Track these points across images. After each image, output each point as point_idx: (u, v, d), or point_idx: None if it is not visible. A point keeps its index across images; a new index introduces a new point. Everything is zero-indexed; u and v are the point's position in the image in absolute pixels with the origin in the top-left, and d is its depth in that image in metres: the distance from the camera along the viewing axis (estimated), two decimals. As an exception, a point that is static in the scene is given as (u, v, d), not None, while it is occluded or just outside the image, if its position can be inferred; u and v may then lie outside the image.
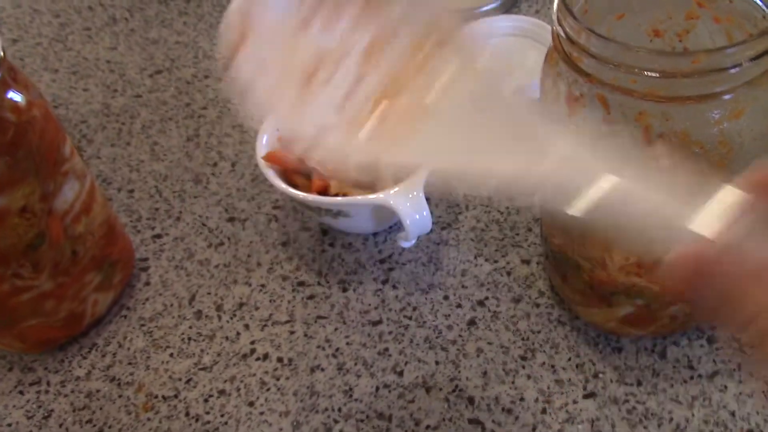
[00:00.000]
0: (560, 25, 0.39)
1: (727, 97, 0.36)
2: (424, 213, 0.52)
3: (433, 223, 0.60)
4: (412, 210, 0.51)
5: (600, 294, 0.48)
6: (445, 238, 0.59)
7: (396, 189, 0.52)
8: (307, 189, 0.56)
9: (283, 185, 0.54)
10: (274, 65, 0.34)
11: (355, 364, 0.52)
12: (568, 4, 0.39)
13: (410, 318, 0.54)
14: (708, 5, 0.43)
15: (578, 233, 0.47)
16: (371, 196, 0.52)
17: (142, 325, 0.57)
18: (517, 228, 0.59)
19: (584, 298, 0.50)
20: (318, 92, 0.34)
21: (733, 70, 0.35)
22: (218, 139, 0.70)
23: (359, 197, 0.53)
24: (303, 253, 0.60)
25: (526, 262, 0.56)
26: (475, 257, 0.57)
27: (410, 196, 0.52)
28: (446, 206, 0.61)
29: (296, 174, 0.57)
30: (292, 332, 0.55)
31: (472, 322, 0.54)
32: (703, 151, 0.38)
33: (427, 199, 0.61)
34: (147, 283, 0.59)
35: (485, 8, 0.75)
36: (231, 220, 0.63)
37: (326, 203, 0.53)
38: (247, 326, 0.56)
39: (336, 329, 0.54)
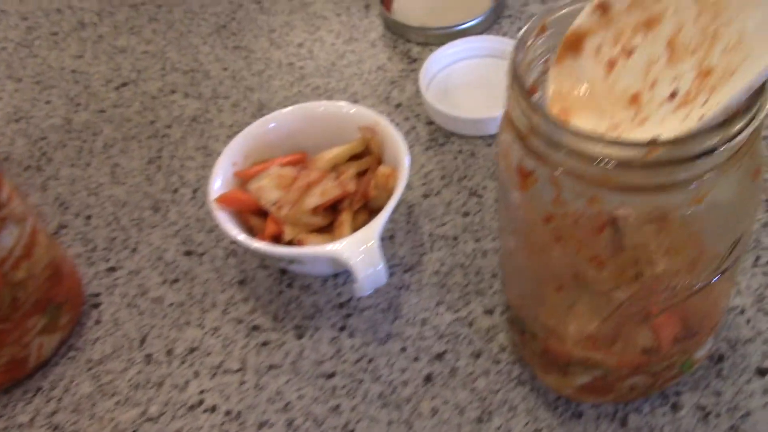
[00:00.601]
0: (509, 95, 0.36)
1: (690, 186, 0.34)
2: (379, 266, 0.49)
3: (395, 265, 0.57)
4: (364, 264, 0.49)
5: (555, 362, 0.46)
6: (407, 282, 0.56)
7: (348, 240, 0.49)
8: (262, 231, 0.54)
9: (232, 232, 0.51)
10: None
11: (305, 420, 0.50)
12: (519, 72, 0.35)
13: (365, 371, 0.52)
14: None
15: (535, 299, 0.44)
16: (321, 248, 0.50)
17: (90, 368, 0.55)
18: (482, 273, 0.56)
19: (541, 361, 0.48)
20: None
21: (696, 161, 0.32)
22: (181, 162, 0.67)
23: (309, 249, 0.50)
24: (260, 293, 0.57)
25: (489, 312, 0.54)
26: (437, 305, 0.55)
27: (363, 248, 0.49)
28: (411, 246, 0.58)
29: (252, 215, 0.55)
30: (242, 382, 0.53)
31: (428, 378, 0.51)
32: (661, 239, 0.36)
33: (391, 237, 0.59)
34: (98, 322, 0.57)
35: (465, 25, 0.71)
36: (188, 253, 0.61)
37: (275, 253, 0.51)
38: (196, 373, 0.54)
39: (288, 381, 0.52)
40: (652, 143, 0.32)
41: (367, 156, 0.57)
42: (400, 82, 0.70)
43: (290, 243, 0.53)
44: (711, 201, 0.35)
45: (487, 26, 0.72)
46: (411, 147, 0.64)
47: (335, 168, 0.55)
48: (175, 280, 0.59)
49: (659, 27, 0.33)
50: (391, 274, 0.57)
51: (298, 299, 0.57)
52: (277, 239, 0.53)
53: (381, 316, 0.55)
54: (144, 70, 0.76)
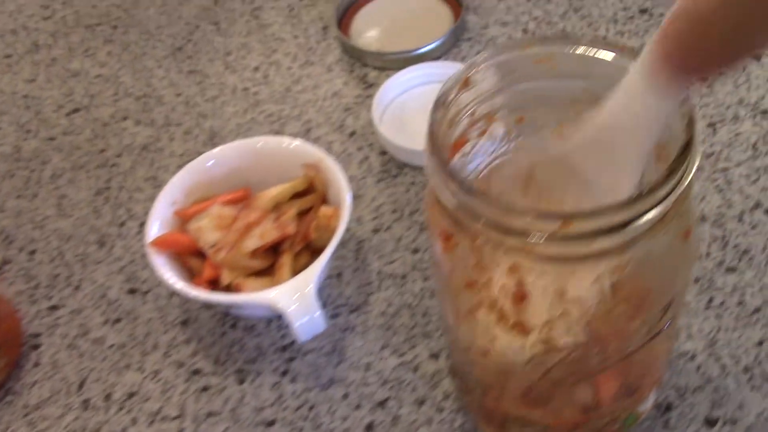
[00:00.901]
0: (426, 157, 0.34)
1: (611, 256, 0.32)
2: (316, 314, 0.48)
3: (341, 305, 0.56)
4: (299, 312, 0.47)
5: (494, 416, 0.44)
6: (352, 324, 0.55)
7: (283, 287, 0.48)
8: (201, 272, 0.52)
9: (167, 278, 0.50)
10: None
11: (243, 471, 0.49)
12: (437, 141, 0.34)
13: (306, 419, 0.51)
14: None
15: (467, 358, 0.43)
16: (255, 296, 0.48)
17: (26, 414, 0.53)
18: (430, 314, 0.54)
19: (480, 412, 0.46)
20: None
21: (613, 233, 0.31)
22: (129, 194, 0.65)
23: (243, 296, 0.49)
24: (203, 335, 0.56)
25: (435, 356, 0.52)
26: (382, 348, 0.53)
27: (298, 295, 0.47)
28: (358, 285, 0.57)
29: (191, 256, 0.53)
30: (180, 430, 0.51)
31: (369, 427, 0.50)
32: (581, 310, 0.34)
33: (339, 275, 0.57)
34: (37, 364, 0.56)
35: (423, 49, 0.69)
36: (132, 291, 0.59)
37: (209, 300, 0.49)
38: (134, 420, 0.52)
39: (227, 429, 0.51)
40: (567, 216, 0.30)
41: (311, 194, 0.55)
42: (355, 109, 0.68)
43: (228, 287, 0.51)
44: (636, 268, 0.34)
45: (445, 50, 0.71)
46: (363, 179, 0.63)
47: (277, 207, 0.54)
48: (117, 320, 0.57)
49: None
50: (337, 315, 0.55)
51: (241, 341, 0.55)
52: (215, 283, 0.52)
53: (324, 359, 0.53)
54: (97, 95, 0.74)
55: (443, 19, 0.73)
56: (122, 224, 0.63)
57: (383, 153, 0.64)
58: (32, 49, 0.80)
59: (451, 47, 0.71)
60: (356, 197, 0.62)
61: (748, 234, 0.55)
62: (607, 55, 0.35)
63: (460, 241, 0.34)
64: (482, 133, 0.40)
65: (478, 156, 0.41)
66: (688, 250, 0.35)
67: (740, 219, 0.55)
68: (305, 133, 0.67)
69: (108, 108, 0.72)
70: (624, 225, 0.30)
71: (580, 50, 0.36)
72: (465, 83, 0.36)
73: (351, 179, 0.63)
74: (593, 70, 0.36)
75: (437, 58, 0.70)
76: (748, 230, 0.55)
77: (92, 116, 0.72)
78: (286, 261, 0.51)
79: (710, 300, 0.52)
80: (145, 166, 0.67)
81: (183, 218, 0.54)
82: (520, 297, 0.34)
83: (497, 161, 0.42)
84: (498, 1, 0.75)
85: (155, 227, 0.52)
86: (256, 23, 0.78)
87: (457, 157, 0.39)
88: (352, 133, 0.66)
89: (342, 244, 0.59)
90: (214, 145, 0.67)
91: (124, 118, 0.71)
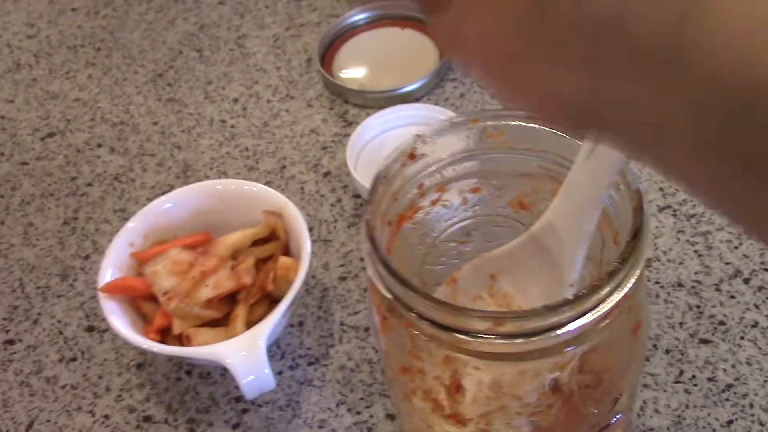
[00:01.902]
0: (362, 239, 0.32)
1: (547, 356, 0.30)
2: (265, 371, 0.46)
3: (301, 356, 0.54)
4: (247, 369, 0.46)
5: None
6: (310, 377, 0.53)
7: (231, 343, 0.46)
8: (154, 319, 0.51)
9: (116, 325, 0.48)
10: None
11: None
12: (374, 209, 0.32)
13: (253, 477, 0.49)
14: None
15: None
16: (203, 350, 0.46)
17: (-30, 455, 0.52)
18: (390, 372, 0.53)
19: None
20: None
21: (549, 334, 0.29)
22: (96, 225, 0.64)
23: (189, 350, 0.47)
24: (157, 379, 0.54)
25: (391, 417, 0.50)
26: (338, 405, 0.51)
27: (246, 352, 0.46)
28: (320, 335, 0.55)
29: (145, 300, 0.52)
30: (124, 482, 0.50)
31: (318, 490, 0.48)
32: (520, 404, 0.32)
33: (301, 324, 0.56)
34: (-14, 402, 0.54)
35: (405, 89, 0.68)
36: (90, 329, 0.57)
37: (155, 351, 0.47)
38: (79, 467, 0.51)
39: (171, 483, 0.49)
40: (498, 317, 0.28)
41: (273, 240, 0.53)
42: (332, 148, 0.66)
43: (180, 336, 0.50)
44: (580, 363, 0.32)
45: (429, 90, 0.69)
46: (334, 222, 0.61)
47: (236, 254, 0.52)
48: (73, 359, 0.56)
49: None
50: (295, 367, 0.54)
51: (195, 388, 0.53)
52: (167, 331, 0.50)
53: (278, 414, 0.52)
54: (73, 120, 0.73)
55: (428, 57, 0.71)
56: (86, 257, 0.62)
57: (356, 196, 0.63)
58: (13, 68, 0.79)
59: (434, 87, 0.69)
60: (325, 242, 0.60)
61: (725, 304, 0.53)
62: (558, 131, 0.34)
63: (396, 326, 0.33)
64: (435, 202, 0.38)
65: (433, 223, 0.40)
66: (638, 345, 0.33)
67: (718, 288, 0.53)
68: (279, 171, 0.65)
69: (83, 134, 0.71)
70: (558, 327, 0.28)
71: (531, 125, 0.34)
72: (411, 156, 0.34)
73: (321, 223, 0.61)
74: (545, 145, 0.34)
75: (420, 97, 0.69)
76: (725, 300, 0.53)
77: (67, 141, 0.71)
78: (240, 312, 0.50)
79: (680, 373, 0.50)
80: (114, 197, 0.66)
81: (141, 260, 0.53)
82: (456, 388, 0.32)
83: (455, 227, 0.40)
84: (486, 40, 0.73)
85: (108, 272, 0.51)
86: (240, 52, 0.77)
87: (406, 224, 0.38)
88: (327, 174, 0.65)
89: (307, 290, 0.57)
90: (186, 179, 0.66)
91: (99, 145, 0.70)
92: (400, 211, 0.35)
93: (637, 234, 0.29)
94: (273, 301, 0.52)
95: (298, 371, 0.53)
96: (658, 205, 0.59)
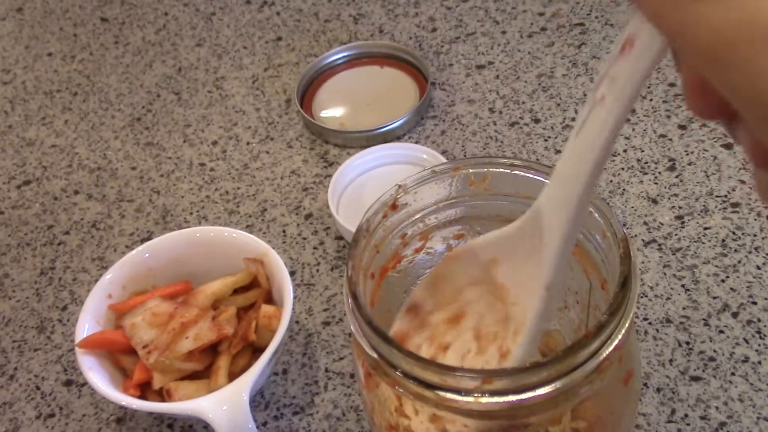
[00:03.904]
0: (344, 295, 0.31)
1: (538, 413, 0.29)
2: (248, 426, 0.45)
3: (285, 405, 0.53)
4: (230, 425, 0.44)
5: None
6: (295, 428, 0.52)
7: (213, 397, 0.45)
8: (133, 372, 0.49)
9: (93, 380, 0.47)
10: None
11: None
12: (357, 264, 0.31)
13: None
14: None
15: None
16: (183, 405, 0.45)
17: None
18: (378, 419, 0.51)
19: None
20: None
21: (538, 390, 0.28)
22: (74, 275, 0.62)
23: (169, 406, 0.46)
24: (137, 434, 0.53)
25: (380, 467, 0.49)
26: (325, 456, 0.50)
27: (228, 406, 0.44)
28: (304, 383, 0.54)
29: (125, 354, 0.50)
30: None
31: None
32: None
33: (285, 372, 0.54)
34: (-40, 463, 0.53)
35: (386, 128, 0.67)
36: (68, 383, 0.56)
37: (134, 408, 0.46)
38: None
39: None
40: (487, 374, 0.27)
41: (254, 288, 0.52)
42: (313, 189, 0.66)
43: (161, 390, 0.48)
44: (571, 414, 0.31)
45: (409, 128, 0.68)
46: (316, 265, 0.60)
47: (217, 303, 0.51)
48: (51, 415, 0.54)
49: (464, 321, 0.34)
50: (279, 417, 0.52)
51: (178, 443, 0.52)
52: (147, 385, 0.49)
53: (263, 467, 0.50)
54: (50, 167, 0.71)
55: (409, 95, 0.71)
56: (64, 308, 0.60)
57: (339, 238, 0.62)
58: (-11, 115, 0.78)
59: (415, 125, 0.69)
60: (308, 286, 0.59)
61: (714, 340, 0.52)
62: (540, 177, 0.33)
63: (381, 383, 0.32)
64: (418, 250, 0.38)
65: (417, 270, 0.39)
66: (630, 394, 0.32)
67: (707, 323, 0.53)
68: (260, 214, 0.64)
69: (60, 181, 0.70)
70: (547, 383, 0.27)
71: (514, 172, 0.33)
72: (393, 206, 0.34)
73: (304, 266, 0.60)
74: (527, 191, 0.34)
75: (401, 135, 0.68)
76: (714, 335, 0.52)
77: (43, 189, 0.70)
78: (222, 364, 0.48)
79: (672, 412, 0.49)
80: (92, 245, 0.64)
81: (119, 312, 0.51)
82: (446, 447, 0.31)
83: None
84: (465, 77, 0.73)
85: (86, 326, 0.49)
86: (219, 94, 0.76)
87: (390, 273, 0.37)
88: (308, 216, 0.64)
89: (291, 337, 0.56)
90: (166, 224, 0.65)
91: (76, 192, 0.69)
92: (383, 262, 0.35)
93: (625, 283, 0.28)
94: (256, 350, 0.51)
95: (282, 421, 0.52)
96: (643, 240, 0.58)
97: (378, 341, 0.29)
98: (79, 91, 0.79)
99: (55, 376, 0.56)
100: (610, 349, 0.28)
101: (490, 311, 0.32)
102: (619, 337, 0.28)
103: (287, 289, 0.50)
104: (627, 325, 0.28)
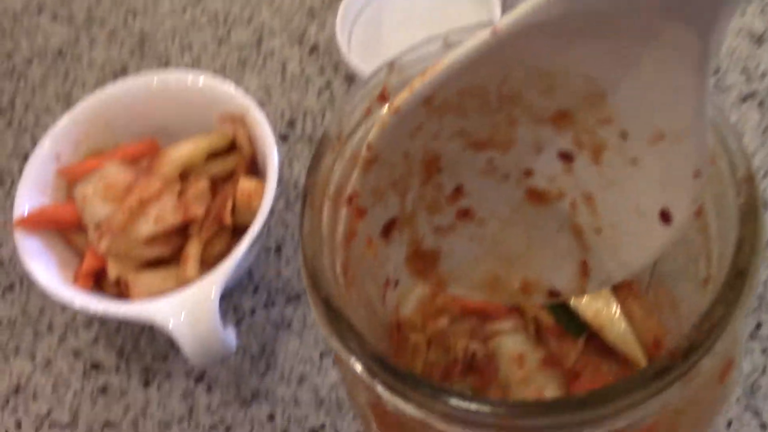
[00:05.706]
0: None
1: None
2: (217, 336, 0.36)
3: (277, 290, 0.44)
4: (192, 334, 0.36)
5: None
6: (288, 318, 0.43)
7: (171, 300, 0.36)
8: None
9: (33, 268, 0.38)
10: None
11: (137, 507, 0.40)
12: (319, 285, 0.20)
13: (219, 444, 0.41)
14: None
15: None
16: (134, 308, 0.36)
17: None
18: (387, 314, 0.42)
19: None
20: None
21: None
22: (36, 115, 0.52)
23: (119, 307, 0.37)
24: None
25: (386, 374, 0.41)
26: (321, 356, 0.42)
27: (189, 311, 0.35)
28: (298, 270, 0.44)
29: (78, 232, 0.41)
30: (69, 444, 0.42)
31: (295, 465, 0.40)
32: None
33: (278, 249, 0.45)
34: None
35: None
36: (29, 250, 0.48)
37: (74, 305, 0.37)
38: (18, 424, 0.43)
39: (123, 448, 0.41)
40: (510, 407, 0.17)
41: (233, 154, 0.42)
42: (321, 14, 0.52)
43: (118, 281, 0.40)
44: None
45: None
46: (321, 112, 0.49)
47: (186, 173, 0.41)
48: (10, 286, 0.47)
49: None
50: (271, 304, 0.44)
51: (151, 331, 0.44)
52: (101, 274, 0.40)
53: (249, 365, 0.42)
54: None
55: None
56: (25, 157, 0.51)
57: (351, 78, 0.50)
58: None
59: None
60: (310, 140, 0.48)
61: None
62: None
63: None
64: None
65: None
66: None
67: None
68: (255, 44, 0.52)
69: (21, -5, 0.58)
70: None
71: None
72: (381, 97, 0.22)
73: (306, 114, 0.49)
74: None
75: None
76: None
77: (2, 5, 0.58)
78: (192, 251, 0.39)
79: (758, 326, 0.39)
80: (58, 78, 0.54)
81: (70, 178, 0.42)
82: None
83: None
84: None
85: (26, 198, 0.40)
86: None
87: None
88: (314, 48, 0.51)
89: (287, 205, 0.46)
90: (143, 55, 0.54)
91: (39, 11, 0.57)
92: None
93: (741, 273, 0.17)
94: (237, 230, 0.41)
95: (274, 310, 0.44)
96: (740, 92, 0.45)
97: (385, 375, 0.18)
98: None
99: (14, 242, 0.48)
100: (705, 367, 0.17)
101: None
102: (721, 350, 0.17)
103: (272, 156, 0.39)
104: (736, 330, 0.18)
